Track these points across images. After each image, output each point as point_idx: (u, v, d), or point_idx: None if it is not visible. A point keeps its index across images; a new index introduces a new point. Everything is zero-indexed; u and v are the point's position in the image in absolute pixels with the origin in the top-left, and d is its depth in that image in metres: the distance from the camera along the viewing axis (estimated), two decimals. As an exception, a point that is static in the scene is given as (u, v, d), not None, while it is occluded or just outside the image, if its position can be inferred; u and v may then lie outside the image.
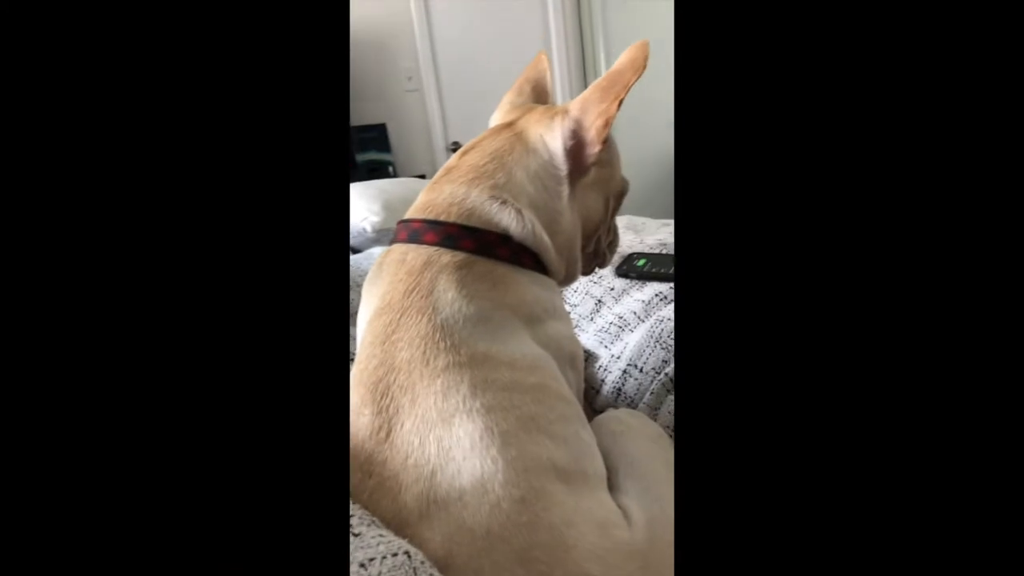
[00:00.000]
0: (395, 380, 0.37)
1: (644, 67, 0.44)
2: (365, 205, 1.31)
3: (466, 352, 0.37)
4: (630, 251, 0.92)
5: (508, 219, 0.44)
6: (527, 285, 0.44)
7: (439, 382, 0.36)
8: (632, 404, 0.63)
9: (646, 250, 0.93)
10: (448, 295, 0.39)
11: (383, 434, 0.35)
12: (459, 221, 0.43)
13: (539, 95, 0.57)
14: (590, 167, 0.48)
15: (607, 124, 0.45)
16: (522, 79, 0.58)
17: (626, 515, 0.37)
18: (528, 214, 0.45)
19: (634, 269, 0.83)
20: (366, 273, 0.93)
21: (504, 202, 0.44)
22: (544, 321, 0.44)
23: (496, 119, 0.55)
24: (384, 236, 1.28)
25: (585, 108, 0.46)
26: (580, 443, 0.39)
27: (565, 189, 0.47)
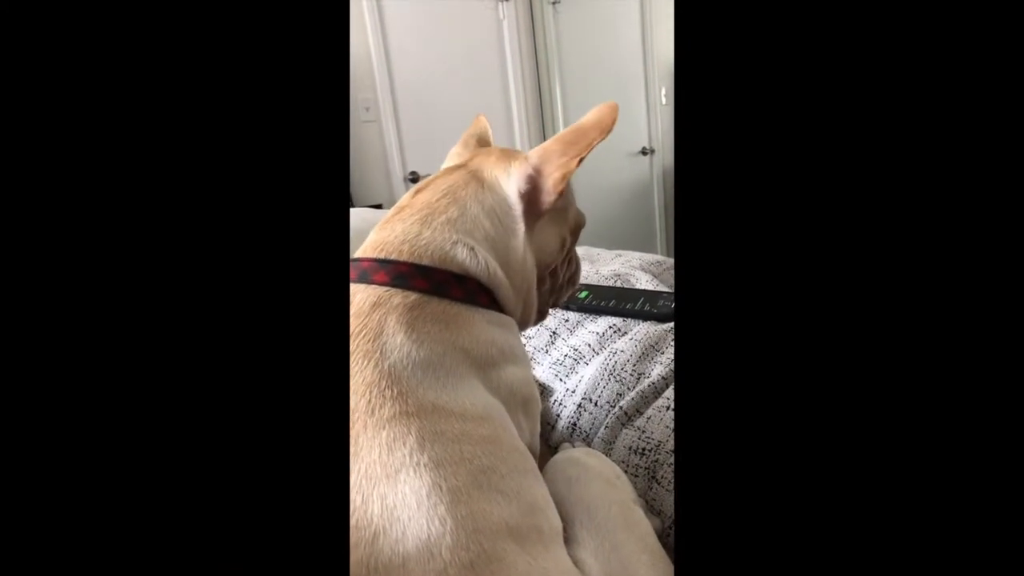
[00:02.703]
0: None
1: (610, 130, 0.45)
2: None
3: (414, 402, 0.35)
4: (576, 282, 0.92)
5: (463, 256, 0.43)
6: (483, 324, 0.43)
7: (384, 434, 0.34)
8: (587, 439, 0.62)
9: (600, 281, 0.93)
10: (397, 338, 0.38)
11: None
12: (411, 260, 0.41)
13: (483, 144, 0.59)
14: (545, 212, 0.49)
15: (564, 178, 0.45)
16: (467, 134, 0.59)
17: (583, 570, 0.36)
18: (483, 251, 0.44)
19: (575, 301, 0.83)
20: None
21: (457, 241, 0.43)
22: (498, 365, 0.42)
23: (448, 166, 0.55)
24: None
25: (546, 158, 0.46)
26: (534, 496, 0.37)
27: (520, 227, 0.47)
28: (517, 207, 0.47)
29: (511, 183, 0.47)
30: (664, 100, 2.82)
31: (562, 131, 0.46)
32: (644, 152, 2.88)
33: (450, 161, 0.56)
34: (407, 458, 0.33)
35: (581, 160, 0.44)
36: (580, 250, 1.25)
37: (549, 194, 0.46)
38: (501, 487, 0.35)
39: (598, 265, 1.06)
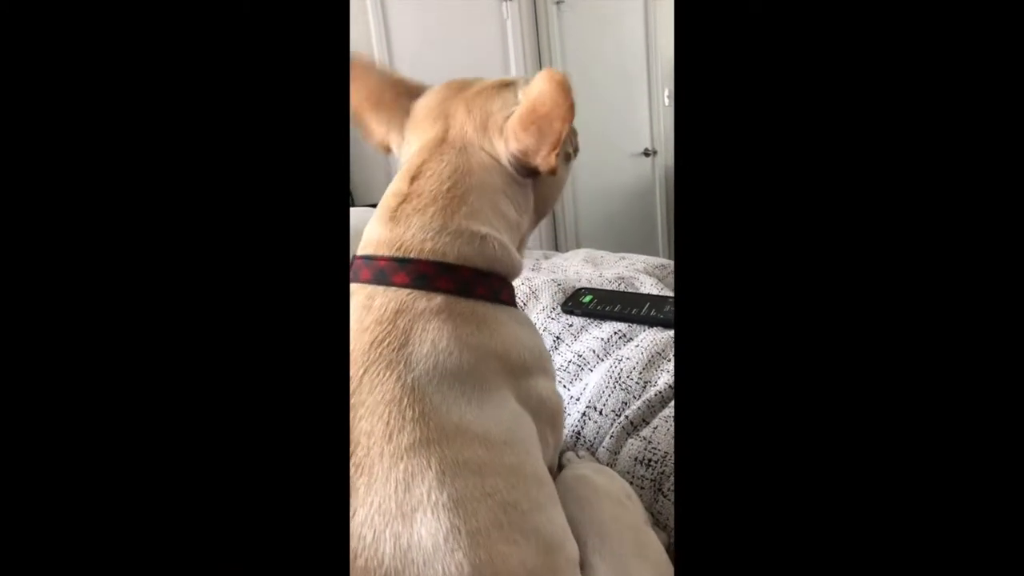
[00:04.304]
0: (351, 455, 0.32)
1: (571, 116, 0.39)
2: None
3: (436, 424, 0.33)
4: (578, 286, 0.90)
5: (490, 251, 0.40)
6: (512, 326, 0.40)
7: (402, 466, 0.31)
8: (592, 448, 0.60)
9: (604, 284, 0.92)
10: (424, 348, 0.35)
11: None
12: (434, 258, 0.38)
13: (401, 91, 0.48)
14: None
15: (554, 168, 0.41)
16: (373, 96, 0.48)
17: None
18: (508, 241, 0.42)
19: (579, 306, 0.81)
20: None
21: (485, 236, 0.40)
22: (531, 374, 0.40)
23: (400, 139, 0.47)
24: (337, 267, 1.24)
25: (526, 149, 0.41)
26: (553, 532, 0.35)
27: (531, 196, 0.45)
28: (525, 182, 0.44)
29: (509, 164, 0.43)
30: (667, 101, 2.80)
31: (522, 109, 0.40)
32: (646, 153, 2.87)
33: (395, 132, 0.47)
34: (425, 496, 0.31)
35: (558, 148, 0.40)
36: (583, 252, 1.24)
37: (546, 171, 0.42)
38: (522, 526, 0.33)
39: (602, 268, 1.05)
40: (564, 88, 0.38)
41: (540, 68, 2.58)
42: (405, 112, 0.47)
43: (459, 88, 0.46)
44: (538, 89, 0.39)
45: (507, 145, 0.42)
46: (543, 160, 0.41)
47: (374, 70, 0.48)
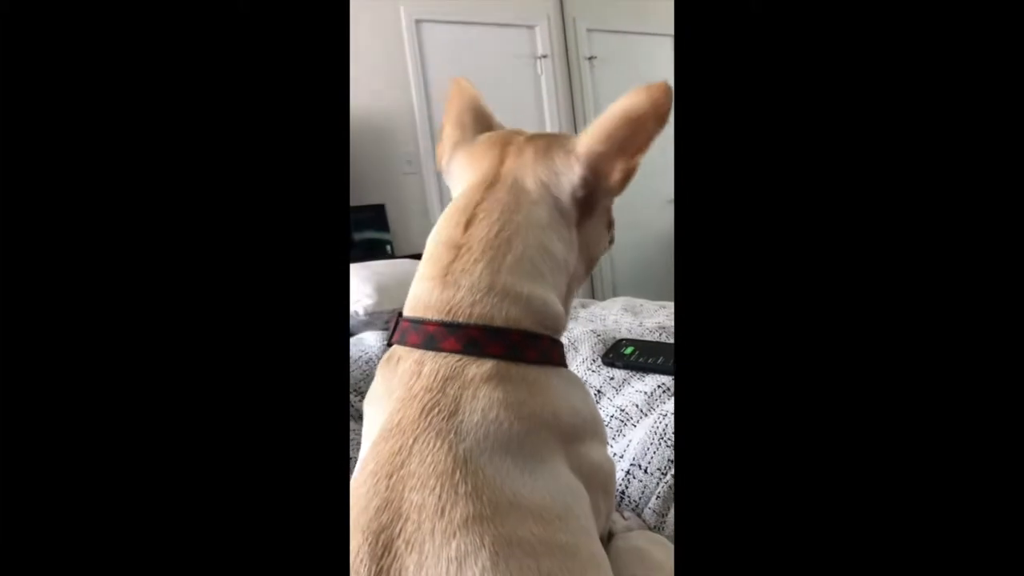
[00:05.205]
0: (401, 531, 0.30)
1: (667, 118, 0.39)
2: (358, 287, 1.28)
3: (489, 499, 0.31)
4: (619, 336, 0.88)
5: (537, 310, 0.39)
6: (563, 390, 0.39)
7: (454, 544, 0.30)
8: (637, 509, 0.57)
9: (644, 334, 0.89)
10: (475, 417, 0.34)
11: None
12: (482, 322, 0.37)
13: (480, 121, 0.51)
14: (598, 207, 0.44)
15: (628, 178, 0.41)
16: (457, 111, 0.51)
17: None
18: (552, 294, 0.40)
19: (620, 358, 0.79)
20: (355, 361, 0.89)
21: (531, 294, 0.39)
22: (583, 439, 0.39)
23: (451, 155, 0.48)
24: (376, 319, 1.25)
25: (600, 158, 0.41)
26: None
27: (575, 233, 0.43)
28: (573, 215, 0.43)
29: (565, 190, 0.42)
30: (702, 149, 2.82)
31: (603, 120, 0.40)
32: (683, 200, 2.87)
33: (452, 147, 0.48)
34: None
35: (643, 154, 0.40)
36: (621, 300, 1.22)
37: (612, 193, 0.42)
38: None
39: (642, 317, 1.02)
40: (667, 92, 0.39)
41: (574, 120, 2.65)
42: (472, 140, 0.48)
43: (521, 132, 0.48)
44: (632, 100, 0.39)
45: (575, 168, 0.41)
46: (624, 165, 0.41)
47: (473, 94, 0.52)
